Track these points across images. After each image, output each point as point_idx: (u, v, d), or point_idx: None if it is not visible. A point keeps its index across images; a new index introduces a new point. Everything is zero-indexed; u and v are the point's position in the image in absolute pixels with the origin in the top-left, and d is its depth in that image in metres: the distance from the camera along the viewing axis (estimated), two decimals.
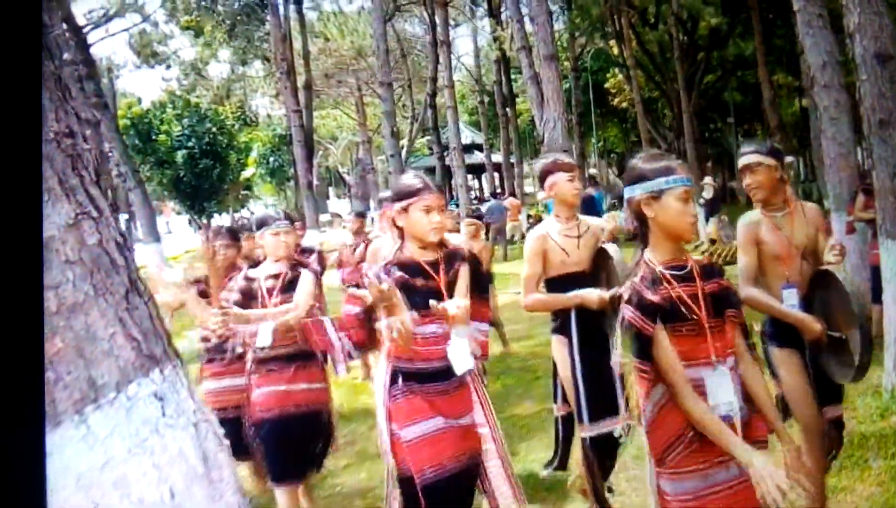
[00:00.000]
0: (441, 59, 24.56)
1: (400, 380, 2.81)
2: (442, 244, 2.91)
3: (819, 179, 12.03)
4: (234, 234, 4.40)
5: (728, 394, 2.17)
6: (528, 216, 23.23)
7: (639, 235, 2.27)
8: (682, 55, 22.68)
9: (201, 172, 31.82)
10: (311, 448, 3.88)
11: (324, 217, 37.13)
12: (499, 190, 32.28)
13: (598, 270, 3.45)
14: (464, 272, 2.90)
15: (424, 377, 2.80)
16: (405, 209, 2.81)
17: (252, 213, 32.75)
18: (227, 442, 1.59)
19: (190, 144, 31.38)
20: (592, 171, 35.29)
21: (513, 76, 31.41)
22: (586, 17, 22.58)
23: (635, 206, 2.24)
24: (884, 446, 4.20)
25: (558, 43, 20.95)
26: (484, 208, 26.71)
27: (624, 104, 32.99)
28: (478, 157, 33.45)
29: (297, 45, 26.07)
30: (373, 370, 4.69)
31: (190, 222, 38.46)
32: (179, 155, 31.19)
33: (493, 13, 27.96)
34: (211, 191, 32.96)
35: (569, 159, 3.57)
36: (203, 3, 26.03)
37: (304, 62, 25.71)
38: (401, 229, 2.90)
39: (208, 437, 1.52)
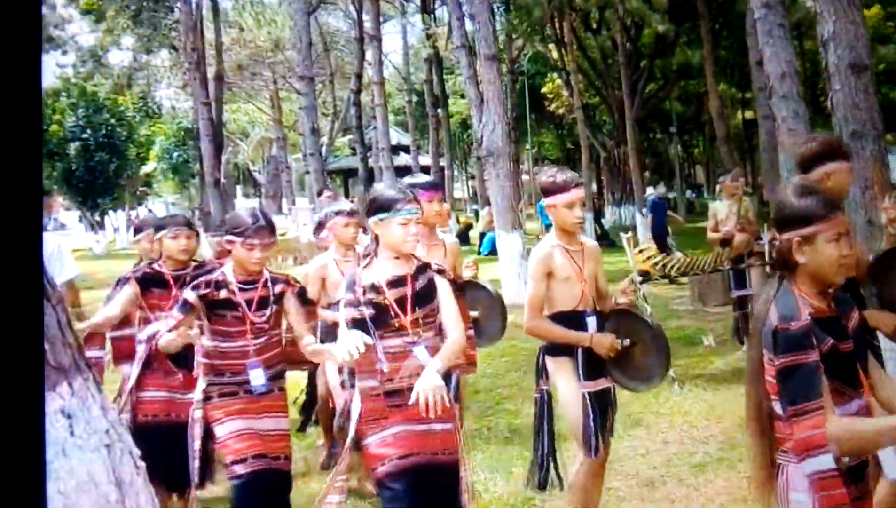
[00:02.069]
0: (370, 55, 24.58)
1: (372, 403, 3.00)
2: (411, 256, 3.09)
3: (767, 190, 12.59)
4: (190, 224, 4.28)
5: None
6: (457, 221, 23.45)
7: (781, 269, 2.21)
8: (626, 62, 23.41)
9: (96, 165, 31.39)
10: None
11: None
12: None
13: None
14: (443, 288, 3.09)
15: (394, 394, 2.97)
16: (382, 221, 2.98)
17: (150, 211, 32.28)
18: (143, 465, 1.52)
19: (84, 135, 30.95)
20: (525, 177, 35.94)
21: (444, 76, 31.69)
22: (526, 19, 23.01)
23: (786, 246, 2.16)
24: None
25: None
26: None
27: (561, 110, 33.78)
28: (404, 159, 33.52)
29: (209, 34, 25.72)
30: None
31: (81, 219, 37.64)
32: (73, 147, 30.72)
33: (426, 9, 28.16)
34: (106, 186, 32.54)
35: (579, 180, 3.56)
36: None
37: (216, 52, 25.34)
38: (376, 240, 3.06)
39: (123, 460, 1.43)
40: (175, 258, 4.11)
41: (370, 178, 26.09)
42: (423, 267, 3.07)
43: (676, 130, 33.74)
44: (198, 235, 4.35)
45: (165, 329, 3.42)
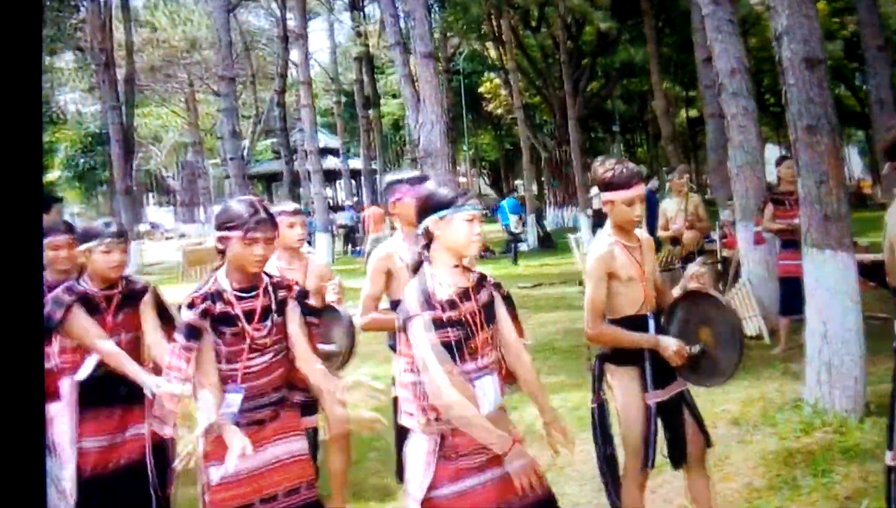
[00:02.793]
0: (295, 55, 24.56)
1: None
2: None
3: (713, 188, 13.08)
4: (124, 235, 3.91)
5: None
6: (392, 228, 23.46)
7: None
8: (567, 60, 23.87)
9: None
10: None
11: (141, 227, 35.72)
12: (355, 198, 32.51)
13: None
14: (500, 302, 2.92)
15: None
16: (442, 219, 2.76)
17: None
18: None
19: None
20: (462, 179, 36.25)
21: (375, 75, 31.79)
22: (462, 16, 23.27)
23: None
24: (812, 463, 4.59)
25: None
26: (342, 217, 26.78)
27: (499, 110, 34.23)
28: (332, 162, 33.47)
29: (119, 34, 25.32)
30: None
31: None
32: None
33: (356, 6, 28.24)
34: None
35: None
36: None
37: (126, 53, 24.95)
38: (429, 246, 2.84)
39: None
40: (105, 276, 3.72)
41: (295, 182, 25.98)
42: (482, 278, 2.87)
43: (619, 129, 34.58)
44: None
45: (177, 376, 2.92)
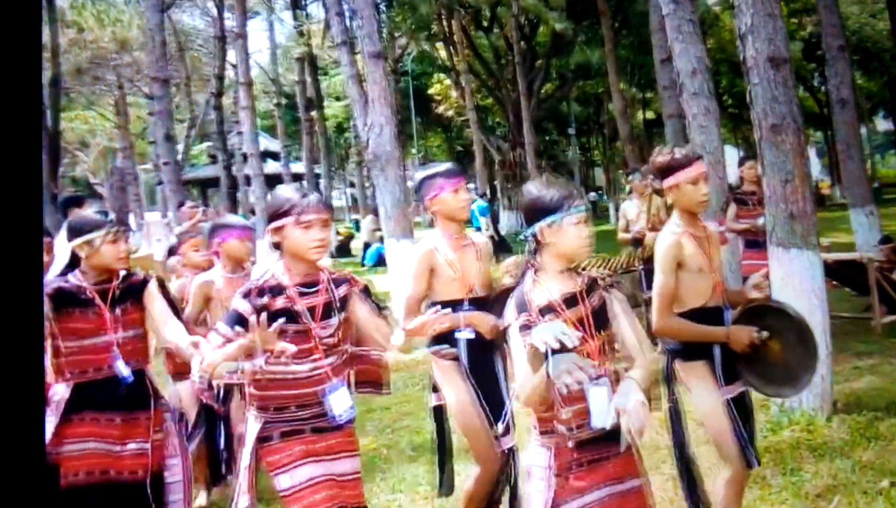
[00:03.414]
0: (233, 55, 24.44)
1: None
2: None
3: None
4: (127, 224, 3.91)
5: None
6: (337, 233, 23.49)
7: None
8: (521, 61, 24.17)
9: None
10: None
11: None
12: None
13: None
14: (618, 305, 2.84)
15: None
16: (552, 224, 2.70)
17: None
18: None
19: None
20: (410, 183, 36.34)
21: (318, 76, 31.77)
22: (410, 16, 23.39)
23: None
24: (780, 461, 4.81)
25: None
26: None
27: (450, 112, 34.49)
28: (273, 166, 33.32)
29: (44, 36, 24.88)
30: None
31: None
32: None
33: (297, 5, 28.20)
34: None
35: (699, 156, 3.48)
36: None
37: (52, 55, 24.50)
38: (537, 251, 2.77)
39: None
40: (110, 268, 3.62)
41: (234, 187, 25.82)
42: (594, 282, 2.78)
43: (575, 131, 35.11)
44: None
45: (213, 354, 2.84)
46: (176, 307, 3.83)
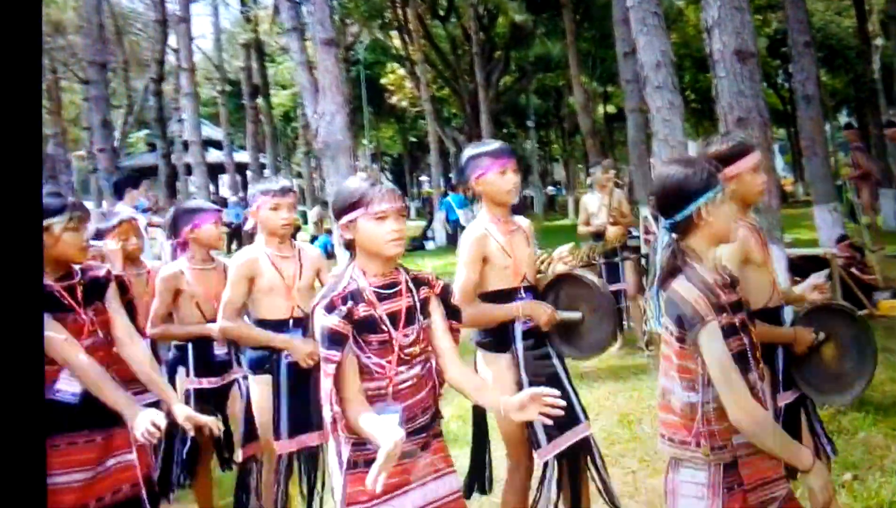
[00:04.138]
0: (174, 40, 24.21)
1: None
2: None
3: (635, 183, 13.61)
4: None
5: None
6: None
7: None
8: (479, 52, 24.31)
9: None
10: None
11: None
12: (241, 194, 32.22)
13: None
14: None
15: None
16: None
17: None
18: None
19: None
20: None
21: (265, 63, 31.63)
22: (363, 3, 23.39)
23: None
24: None
25: None
26: (227, 214, 26.45)
27: (403, 103, 34.51)
28: (215, 155, 33.02)
29: None
30: None
31: None
32: None
33: None
34: None
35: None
36: None
37: None
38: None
39: None
40: (72, 260, 3.26)
41: (173, 176, 25.59)
42: (734, 277, 2.69)
43: (534, 124, 35.41)
44: None
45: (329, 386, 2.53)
46: (135, 312, 3.66)
